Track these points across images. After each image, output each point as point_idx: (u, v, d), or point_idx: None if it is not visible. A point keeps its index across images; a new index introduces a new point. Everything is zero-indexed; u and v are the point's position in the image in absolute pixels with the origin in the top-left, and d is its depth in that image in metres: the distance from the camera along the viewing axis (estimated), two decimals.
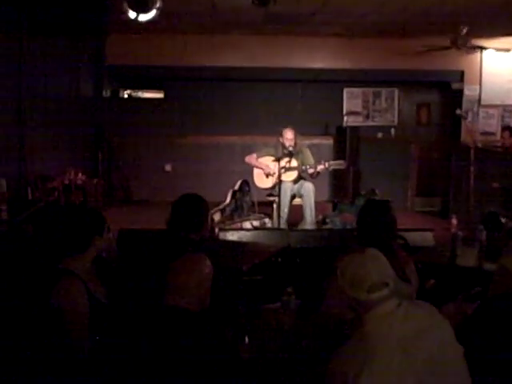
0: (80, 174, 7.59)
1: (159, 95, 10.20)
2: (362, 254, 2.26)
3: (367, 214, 3.35)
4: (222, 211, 6.87)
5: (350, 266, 2.22)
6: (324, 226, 6.98)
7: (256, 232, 5.74)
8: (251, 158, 7.11)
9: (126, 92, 10.80)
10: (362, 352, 2.07)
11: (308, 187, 6.79)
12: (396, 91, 10.01)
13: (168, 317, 2.45)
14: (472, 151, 6.92)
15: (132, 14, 5.28)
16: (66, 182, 7.35)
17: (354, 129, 9.23)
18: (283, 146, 6.78)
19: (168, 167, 9.38)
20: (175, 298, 2.51)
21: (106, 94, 9.39)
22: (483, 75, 9.44)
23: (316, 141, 9.15)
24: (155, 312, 2.51)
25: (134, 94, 11.03)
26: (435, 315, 2.22)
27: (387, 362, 2.04)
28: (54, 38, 7.63)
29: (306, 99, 9.71)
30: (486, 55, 9.25)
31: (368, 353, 2.06)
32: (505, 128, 8.65)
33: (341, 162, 7.10)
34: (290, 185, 6.75)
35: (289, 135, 6.76)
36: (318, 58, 9.24)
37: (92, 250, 2.94)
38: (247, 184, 7.22)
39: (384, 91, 10.00)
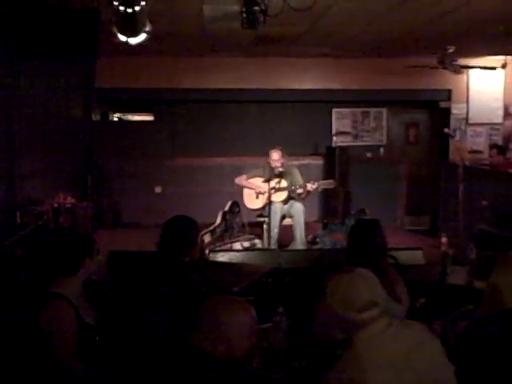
0: (69, 198, 7.57)
1: (149, 118, 10.22)
2: (352, 274, 2.26)
3: (358, 233, 3.35)
4: (212, 232, 6.86)
5: (340, 285, 2.20)
6: (314, 246, 6.98)
7: (246, 253, 5.74)
8: (241, 179, 7.14)
9: (115, 115, 10.82)
10: (352, 373, 2.06)
11: (298, 207, 6.81)
12: (384, 111, 10.08)
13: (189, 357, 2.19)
14: (460, 169, 6.97)
15: (121, 38, 5.30)
16: (55, 205, 7.32)
17: (344, 149, 9.28)
18: (271, 167, 6.81)
19: (158, 189, 9.37)
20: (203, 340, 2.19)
21: (96, 117, 9.39)
22: (470, 94, 9.53)
23: (306, 161, 9.19)
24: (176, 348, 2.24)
25: (123, 117, 11.04)
26: (426, 334, 2.21)
27: (378, 383, 2.04)
28: (44, 61, 7.65)
29: (296, 120, 9.76)
30: (473, 74, 9.35)
31: (358, 373, 2.05)
32: (492, 146, 8.74)
33: (330, 181, 7.13)
34: (279, 205, 6.76)
35: (274, 156, 6.79)
36: (307, 78, 9.30)
37: (82, 272, 2.93)
38: (237, 205, 7.23)
39: (372, 111, 10.06)
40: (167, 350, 2.24)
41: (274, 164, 6.75)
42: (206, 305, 2.27)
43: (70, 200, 7.55)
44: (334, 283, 2.23)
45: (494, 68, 9.01)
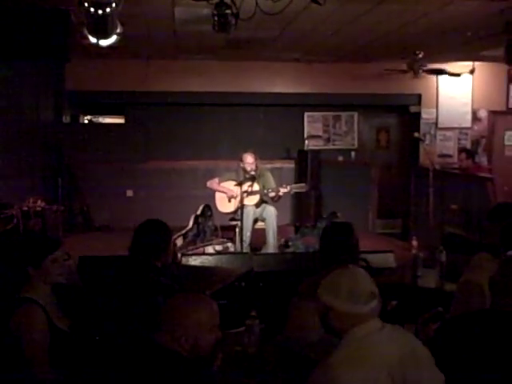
0: (39, 201, 7.45)
1: (120, 120, 10.15)
2: (349, 269, 2.26)
3: (330, 235, 3.35)
4: (185, 236, 6.83)
5: (343, 280, 2.19)
6: (286, 250, 6.99)
7: (219, 256, 5.72)
8: (213, 183, 7.12)
9: (86, 117, 10.72)
10: (343, 371, 2.04)
11: (270, 211, 6.82)
12: (356, 115, 10.16)
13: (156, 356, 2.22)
14: (430, 173, 7.05)
15: (92, 39, 5.26)
16: (25, 208, 7.20)
17: (315, 152, 9.32)
18: (244, 171, 6.81)
19: (130, 192, 9.29)
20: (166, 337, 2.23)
21: (66, 119, 9.29)
22: (439, 99, 9.66)
23: (278, 164, 9.21)
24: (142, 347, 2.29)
25: (94, 120, 10.95)
26: (416, 341, 2.21)
27: (373, 380, 2.03)
28: (14, 62, 7.55)
29: (268, 123, 9.79)
30: (442, 79, 9.48)
31: (350, 373, 2.03)
32: (462, 150, 8.86)
33: (302, 185, 7.15)
34: (252, 209, 6.76)
35: (249, 159, 6.79)
36: (279, 82, 9.34)
37: (46, 272, 2.90)
38: (209, 208, 7.21)
39: (344, 115, 10.13)
40: (136, 351, 2.26)
41: (248, 167, 6.74)
42: (168, 304, 2.31)
43: (40, 203, 7.43)
44: (334, 280, 2.22)
45: (458, 74, 9.16)
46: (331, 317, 2.19)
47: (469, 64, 9.23)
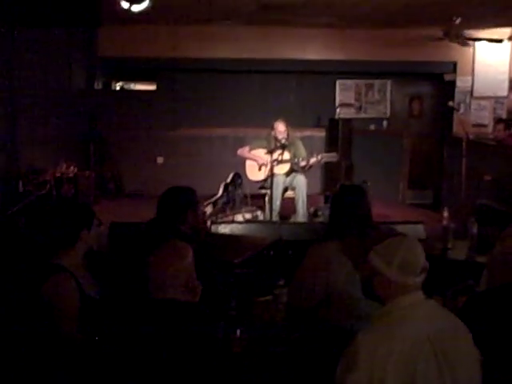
0: (72, 167, 7.55)
1: (152, 87, 10.16)
2: (409, 238, 2.21)
3: (341, 199, 3.21)
4: (214, 204, 6.86)
5: (401, 249, 2.15)
6: (316, 219, 6.98)
7: (248, 225, 5.74)
8: (243, 151, 7.10)
9: (118, 84, 10.75)
10: (386, 343, 2.02)
11: (300, 180, 6.80)
12: (388, 83, 9.99)
13: (157, 310, 2.42)
14: (464, 144, 6.92)
15: (125, 5, 5.25)
16: (58, 174, 7.31)
17: (347, 121, 9.19)
18: (275, 139, 6.77)
19: (160, 160, 9.35)
20: (162, 290, 2.44)
21: (98, 86, 9.33)
22: (476, 67, 9.42)
23: (308, 133, 9.14)
24: (143, 306, 2.47)
25: (126, 86, 10.98)
26: (459, 321, 2.18)
27: (416, 353, 2.01)
28: (45, 29, 7.58)
29: (299, 91, 9.70)
30: (479, 46, 9.23)
31: (393, 344, 2.01)
32: (499, 120, 8.63)
33: (333, 154, 7.10)
34: (282, 177, 6.74)
35: (280, 127, 6.74)
36: (311, 49, 9.20)
37: (81, 244, 2.93)
38: (239, 177, 7.21)
39: (377, 83, 9.97)
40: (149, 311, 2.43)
41: (279, 135, 6.70)
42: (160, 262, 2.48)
43: (72, 169, 7.53)
44: (390, 247, 2.18)
45: (499, 41, 8.90)
46: (377, 282, 2.18)
47: (507, 30, 8.95)
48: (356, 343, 2.06)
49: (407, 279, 2.12)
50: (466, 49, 9.14)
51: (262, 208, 6.88)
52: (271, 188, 6.47)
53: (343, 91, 9.91)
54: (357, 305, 2.77)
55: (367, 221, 3.11)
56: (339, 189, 3.44)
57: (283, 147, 6.65)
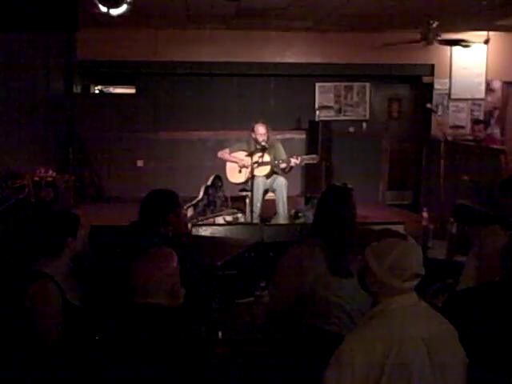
0: (50, 171, 7.49)
1: (131, 91, 10.11)
2: (406, 243, 2.17)
3: (327, 199, 3.20)
4: (195, 207, 6.85)
5: (393, 252, 2.13)
6: (297, 221, 7.00)
7: (229, 227, 5.73)
8: (224, 153, 7.11)
9: (96, 88, 10.69)
10: (379, 343, 2.01)
11: (281, 182, 6.81)
12: (368, 85, 10.06)
13: (141, 315, 2.40)
14: (442, 145, 7.00)
15: (103, 8, 5.23)
16: (36, 178, 7.25)
17: (327, 123, 9.24)
18: (256, 141, 6.78)
19: (140, 163, 9.31)
20: (145, 296, 2.41)
21: (77, 89, 9.27)
22: (453, 69, 9.54)
23: (288, 135, 9.17)
24: (126, 311, 2.45)
25: (105, 90, 10.93)
26: (446, 321, 2.20)
27: (411, 354, 2.01)
28: (23, 33, 7.51)
29: (279, 94, 9.72)
30: (456, 49, 9.34)
31: (392, 338, 2.02)
32: (478, 121, 8.71)
33: (314, 156, 7.13)
34: (262, 179, 6.75)
35: (261, 130, 6.75)
36: (291, 52, 9.24)
37: (66, 252, 2.91)
38: (220, 179, 7.21)
39: (356, 85, 10.03)
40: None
41: (260, 138, 6.71)
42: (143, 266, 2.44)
43: (51, 173, 7.47)
44: (385, 248, 2.16)
45: (473, 43, 9.01)
46: (367, 277, 2.18)
47: (483, 34, 9.07)
48: (349, 343, 2.06)
49: (394, 282, 2.11)
50: (443, 52, 9.25)
51: (243, 210, 6.88)
52: (252, 190, 6.47)
53: (322, 94, 9.95)
54: (329, 307, 2.78)
55: (350, 222, 3.10)
56: (327, 188, 3.47)
57: (263, 149, 6.66)
